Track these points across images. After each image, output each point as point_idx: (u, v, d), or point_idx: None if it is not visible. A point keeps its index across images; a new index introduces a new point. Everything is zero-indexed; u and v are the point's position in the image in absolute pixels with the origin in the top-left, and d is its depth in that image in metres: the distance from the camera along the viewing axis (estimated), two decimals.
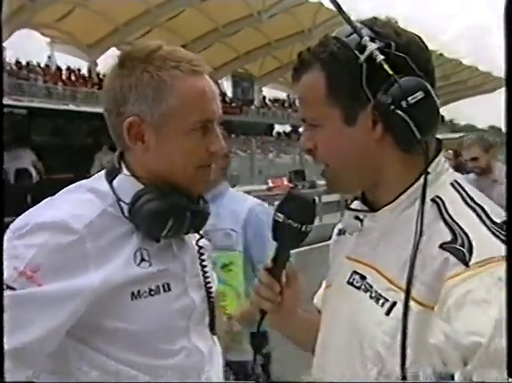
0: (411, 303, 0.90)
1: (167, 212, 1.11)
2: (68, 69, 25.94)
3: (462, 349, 0.84)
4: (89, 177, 1.22)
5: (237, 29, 28.34)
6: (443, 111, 1.07)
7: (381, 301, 0.96)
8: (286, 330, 1.24)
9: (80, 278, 1.04)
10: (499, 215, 0.92)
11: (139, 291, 1.10)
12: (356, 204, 1.10)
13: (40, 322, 1.01)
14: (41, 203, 1.13)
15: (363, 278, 1.02)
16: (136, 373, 1.11)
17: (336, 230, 1.20)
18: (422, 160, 0.96)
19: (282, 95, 40.53)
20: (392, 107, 0.92)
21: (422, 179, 0.96)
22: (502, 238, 0.88)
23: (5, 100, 13.25)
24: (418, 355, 0.90)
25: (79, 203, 1.10)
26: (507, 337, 0.74)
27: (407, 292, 0.90)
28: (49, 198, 1.14)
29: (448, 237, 0.90)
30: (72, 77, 25.35)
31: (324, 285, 1.21)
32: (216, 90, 1.17)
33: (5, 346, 0.87)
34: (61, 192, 1.16)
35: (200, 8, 25.47)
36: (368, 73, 0.94)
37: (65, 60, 26.37)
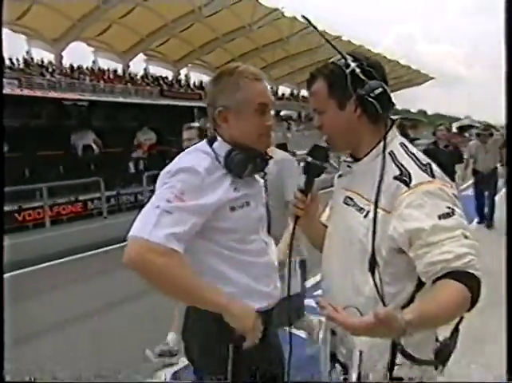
0: (378, 210, 1.03)
1: (247, 160, 1.23)
2: (108, 70, 25.51)
3: (408, 232, 0.97)
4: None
5: (233, 37, 27.74)
6: None
7: (361, 210, 1.09)
8: (309, 231, 1.33)
9: (205, 199, 1.16)
10: (425, 159, 1.07)
11: (233, 207, 1.23)
12: (348, 159, 1.22)
13: (186, 222, 1.13)
14: (176, 159, 1.23)
15: (351, 199, 1.13)
16: (234, 254, 1.24)
17: (337, 175, 1.28)
18: (383, 130, 1.11)
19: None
20: (366, 97, 1.05)
21: (383, 141, 1.10)
22: (426, 171, 1.03)
23: (71, 95, 13.14)
24: (381, 240, 1.03)
25: (198, 158, 1.23)
26: (507, 338, 0.73)
27: (376, 203, 1.03)
28: (180, 155, 1.26)
29: (397, 172, 1.04)
30: (111, 76, 24.98)
31: (328, 207, 1.33)
32: (269, 89, 1.30)
33: (167, 231, 1.03)
34: (185, 152, 1.27)
35: (205, 22, 24.91)
36: (351, 79, 1.08)
37: (105, 63, 25.94)
